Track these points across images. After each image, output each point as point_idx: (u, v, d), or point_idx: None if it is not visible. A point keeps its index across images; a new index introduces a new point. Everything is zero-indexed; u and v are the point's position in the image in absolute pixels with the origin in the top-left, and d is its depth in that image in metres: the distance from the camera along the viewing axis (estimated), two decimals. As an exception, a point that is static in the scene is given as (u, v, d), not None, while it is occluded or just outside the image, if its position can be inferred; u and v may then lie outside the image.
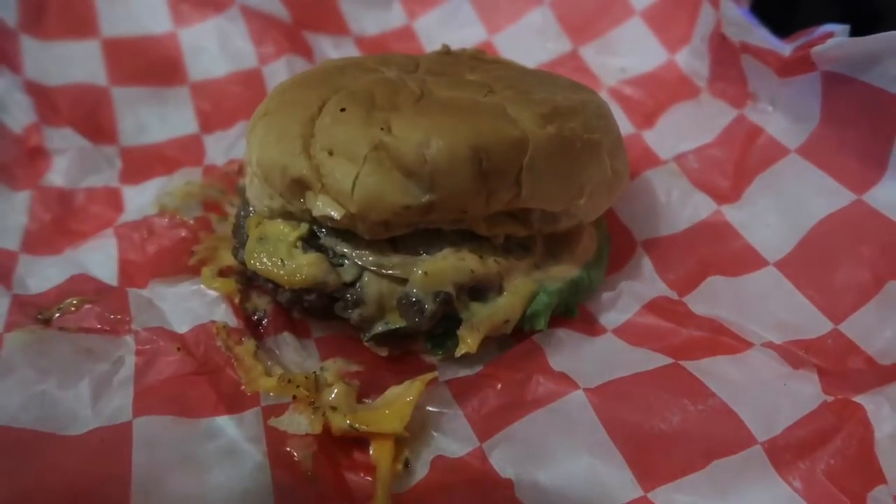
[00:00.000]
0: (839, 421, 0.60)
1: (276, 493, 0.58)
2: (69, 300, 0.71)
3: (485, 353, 0.68)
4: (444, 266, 0.66)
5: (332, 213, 0.63)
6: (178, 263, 0.78)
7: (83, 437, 0.60)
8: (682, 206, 0.83)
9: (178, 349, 0.67)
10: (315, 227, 0.69)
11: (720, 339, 0.69)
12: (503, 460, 0.61)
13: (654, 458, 0.59)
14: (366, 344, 0.70)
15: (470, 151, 0.61)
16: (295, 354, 0.71)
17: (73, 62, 1.01)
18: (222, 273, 0.76)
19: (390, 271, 0.67)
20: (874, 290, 0.66)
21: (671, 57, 0.99)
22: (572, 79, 0.80)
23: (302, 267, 0.67)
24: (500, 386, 0.66)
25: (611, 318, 0.74)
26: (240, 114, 0.98)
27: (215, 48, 1.05)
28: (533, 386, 0.65)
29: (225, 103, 1.01)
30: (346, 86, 0.68)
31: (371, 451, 0.62)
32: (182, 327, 0.70)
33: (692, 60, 0.97)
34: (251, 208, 0.74)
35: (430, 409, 0.66)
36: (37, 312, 0.70)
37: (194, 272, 0.76)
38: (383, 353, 0.70)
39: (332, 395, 0.65)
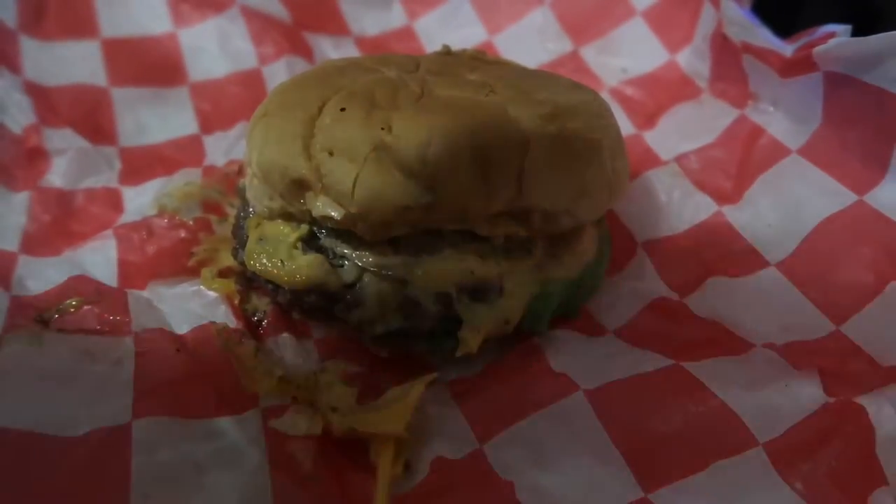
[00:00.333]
0: (841, 422, 0.59)
1: (275, 494, 0.58)
2: (68, 301, 0.71)
3: (485, 354, 0.68)
4: (445, 267, 0.66)
5: (333, 214, 0.63)
6: (178, 264, 0.77)
7: (82, 439, 0.59)
8: (683, 206, 0.82)
9: (178, 350, 0.67)
10: (315, 228, 0.69)
11: (721, 340, 0.69)
12: (504, 462, 0.61)
13: (654, 459, 0.59)
14: (366, 345, 0.70)
15: (471, 151, 0.61)
16: (295, 355, 0.70)
17: (72, 63, 1.01)
18: (222, 274, 0.76)
19: (391, 272, 0.66)
20: (876, 291, 0.66)
21: (672, 57, 0.99)
22: (573, 79, 0.80)
23: (302, 268, 0.67)
24: (500, 387, 0.66)
25: (612, 319, 0.73)
26: (240, 114, 0.98)
27: (215, 48, 1.05)
28: (533, 387, 0.65)
29: (225, 104, 1.01)
30: (346, 86, 0.68)
31: (371, 453, 0.62)
32: (182, 328, 0.70)
33: (693, 61, 0.97)
34: (251, 209, 0.74)
35: (431, 410, 0.65)
36: (36, 314, 0.69)
37: (194, 273, 0.76)
38: (383, 354, 0.70)
39: (333, 397, 0.65)
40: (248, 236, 0.71)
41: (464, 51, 0.84)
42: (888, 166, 0.70)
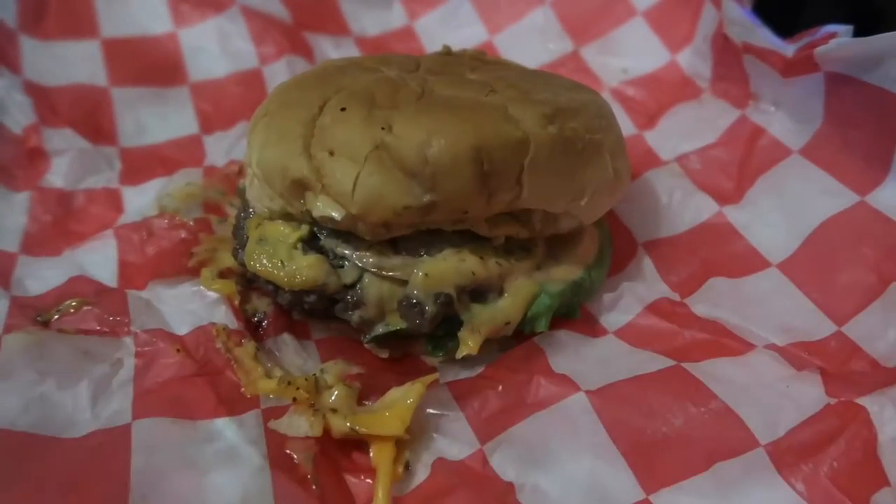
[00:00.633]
0: (842, 423, 0.59)
1: (276, 495, 0.58)
2: (68, 302, 0.71)
3: (486, 355, 0.68)
4: (445, 267, 0.66)
5: (333, 214, 0.63)
6: (178, 265, 0.77)
7: (82, 440, 0.59)
8: (683, 207, 0.82)
9: (178, 351, 0.67)
10: (315, 229, 0.69)
11: (722, 340, 0.68)
12: (504, 463, 0.61)
13: (656, 460, 0.59)
14: (366, 346, 0.70)
15: (471, 151, 0.61)
16: (295, 356, 0.70)
17: (72, 63, 1.01)
18: (222, 274, 0.76)
19: (391, 273, 0.67)
20: (877, 291, 0.66)
21: (673, 57, 0.99)
22: (574, 79, 0.80)
23: (302, 268, 0.67)
24: (501, 388, 0.66)
25: (612, 319, 0.73)
26: (240, 114, 0.98)
27: (215, 48, 1.05)
28: (534, 388, 0.65)
29: (225, 104, 1.01)
30: (347, 86, 0.68)
31: (371, 454, 0.62)
32: (182, 329, 0.70)
33: (694, 61, 0.97)
34: (251, 209, 0.74)
35: (431, 411, 0.65)
36: (36, 314, 0.70)
37: (194, 274, 0.76)
38: (384, 354, 0.70)
39: (333, 398, 0.65)
40: (248, 237, 0.71)
41: (464, 51, 0.84)
42: (890, 167, 0.70)
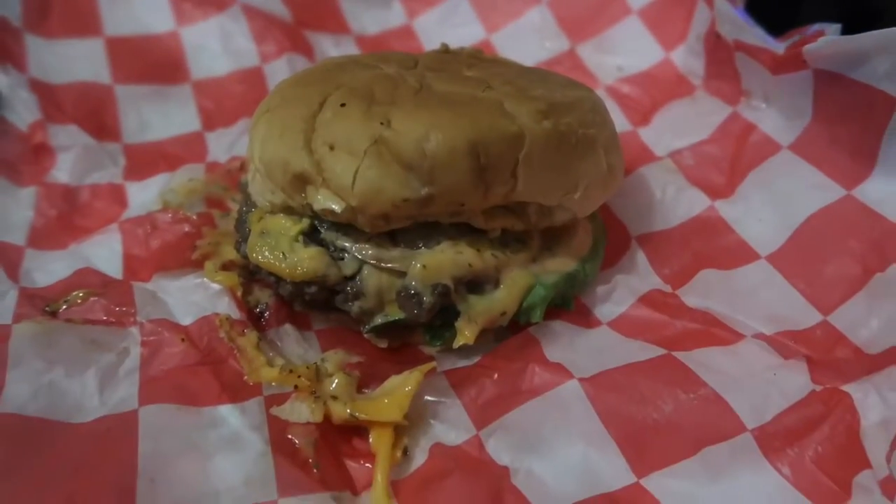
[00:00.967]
0: (827, 409, 0.61)
1: (278, 478, 0.59)
2: (75, 293, 0.72)
3: (482, 345, 0.70)
4: (443, 259, 0.67)
5: (333, 207, 0.65)
6: (182, 258, 0.79)
7: (90, 426, 0.61)
8: (676, 201, 0.84)
9: (182, 340, 0.68)
10: (316, 222, 0.70)
11: (712, 330, 0.70)
12: (499, 448, 0.62)
13: (646, 445, 0.61)
14: (366, 336, 0.71)
15: (468, 145, 0.63)
16: (296, 346, 0.72)
17: (76, 60, 1.03)
18: (225, 267, 0.77)
19: (389, 265, 0.68)
20: (862, 282, 0.68)
21: (667, 55, 1.01)
22: (570, 77, 0.82)
23: (303, 260, 0.68)
24: (496, 376, 0.67)
25: (606, 310, 0.75)
26: (241, 111, 0.99)
27: (217, 47, 1.07)
28: (529, 376, 0.66)
29: (227, 101, 1.02)
30: (347, 82, 0.69)
31: (371, 439, 0.64)
32: (186, 319, 0.71)
33: (688, 59, 0.98)
34: (253, 204, 0.75)
35: (429, 398, 0.67)
36: (44, 305, 0.71)
37: (197, 266, 0.78)
38: (383, 344, 0.72)
39: (333, 385, 0.66)
40: (250, 230, 0.73)
41: (462, 49, 0.86)
42: (876, 161, 0.72)
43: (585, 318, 0.74)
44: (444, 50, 0.85)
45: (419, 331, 0.72)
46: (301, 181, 0.67)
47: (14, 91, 0.95)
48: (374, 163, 0.63)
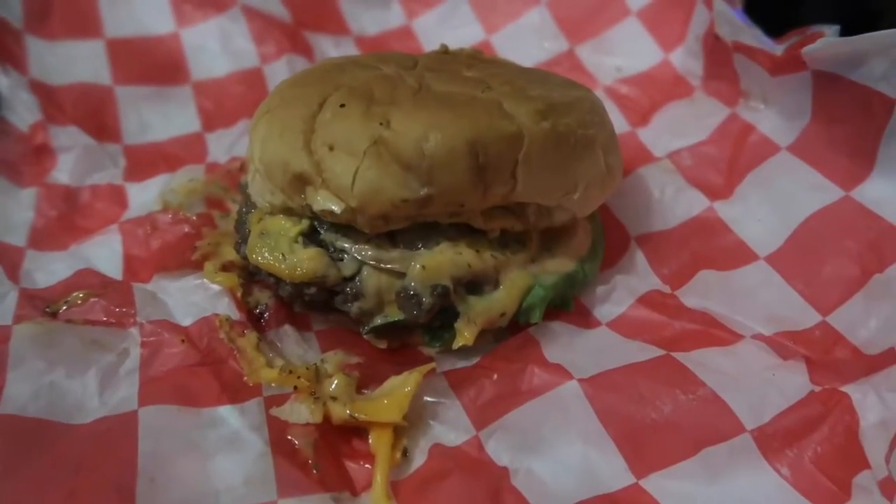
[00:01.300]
0: (826, 410, 0.61)
1: (277, 479, 0.59)
2: (76, 294, 0.72)
3: (481, 345, 0.70)
4: (442, 260, 0.68)
5: (333, 208, 0.65)
6: (182, 258, 0.79)
7: (90, 426, 0.61)
8: (675, 202, 0.84)
9: (182, 341, 0.68)
10: (316, 223, 0.70)
11: (711, 331, 0.70)
12: (499, 449, 0.62)
13: (645, 446, 0.61)
14: (365, 336, 0.72)
15: (467, 146, 0.63)
16: (296, 346, 0.72)
17: (77, 62, 1.03)
18: (225, 268, 0.77)
19: (389, 265, 0.68)
20: (860, 282, 0.68)
21: (666, 56, 1.01)
22: (569, 77, 0.82)
23: (303, 261, 0.68)
24: (496, 377, 0.68)
25: (605, 311, 0.75)
26: (241, 112, 1.00)
27: (217, 48, 1.07)
28: (528, 376, 0.66)
29: (227, 102, 1.03)
30: (346, 83, 0.70)
31: (370, 440, 0.64)
32: (186, 320, 0.71)
33: (687, 60, 0.98)
34: (253, 204, 0.75)
35: (428, 399, 0.67)
36: (44, 305, 0.71)
37: (197, 267, 0.78)
38: (382, 345, 0.72)
39: (333, 386, 0.66)
40: (250, 231, 0.73)
41: (461, 49, 0.86)
42: (874, 162, 0.72)
43: (585, 319, 0.74)
44: (444, 51, 0.85)
45: (418, 331, 0.72)
46: (301, 182, 0.67)
47: (15, 92, 0.95)
48: (374, 163, 0.63)
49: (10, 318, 0.69)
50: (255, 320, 0.74)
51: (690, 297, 0.75)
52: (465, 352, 0.70)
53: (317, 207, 0.67)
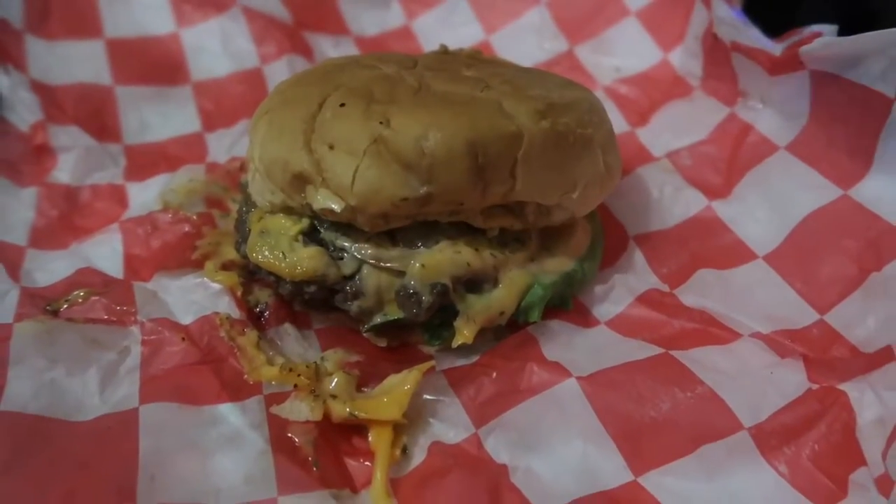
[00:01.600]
0: (823, 407, 0.62)
1: (278, 477, 0.60)
2: (76, 292, 0.73)
3: (480, 344, 0.70)
4: (441, 259, 0.68)
5: (333, 207, 0.65)
6: (182, 258, 0.79)
7: (91, 424, 0.61)
8: (674, 201, 0.84)
9: (183, 339, 0.69)
10: (316, 222, 0.71)
11: (710, 329, 0.71)
12: (498, 446, 0.63)
13: (644, 443, 0.61)
14: (365, 335, 0.72)
15: (467, 145, 0.63)
16: (296, 345, 0.72)
17: (77, 62, 1.03)
18: (225, 267, 0.78)
19: (389, 264, 0.68)
20: (858, 281, 0.68)
21: (665, 56, 1.01)
22: (568, 77, 0.82)
23: (303, 260, 0.69)
24: (495, 375, 0.68)
25: (604, 310, 0.75)
26: (241, 112, 1.00)
27: (217, 48, 1.07)
28: (527, 375, 0.67)
29: (227, 102, 1.03)
30: (346, 82, 0.70)
31: (370, 438, 0.64)
32: (186, 318, 0.72)
33: (686, 59, 0.99)
34: (253, 204, 0.75)
35: (428, 397, 0.67)
36: (45, 304, 0.71)
37: (198, 266, 0.78)
38: (382, 343, 0.72)
39: (333, 384, 0.67)
40: (250, 230, 0.73)
41: (460, 49, 0.86)
42: (872, 161, 0.72)
43: (583, 318, 0.75)
44: (443, 51, 0.85)
45: (418, 330, 0.72)
46: (301, 181, 0.67)
47: (15, 92, 0.96)
48: (374, 162, 0.63)
49: (12, 317, 0.69)
50: (255, 319, 0.74)
51: (689, 295, 0.75)
52: (464, 350, 0.70)
53: (317, 206, 0.67)
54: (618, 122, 0.93)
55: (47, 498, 0.56)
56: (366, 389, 0.68)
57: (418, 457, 0.63)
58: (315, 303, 0.71)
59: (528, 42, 1.09)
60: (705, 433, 0.61)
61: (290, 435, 0.63)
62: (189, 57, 1.07)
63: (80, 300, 0.72)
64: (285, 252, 0.69)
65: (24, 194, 0.87)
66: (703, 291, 0.75)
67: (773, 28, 0.85)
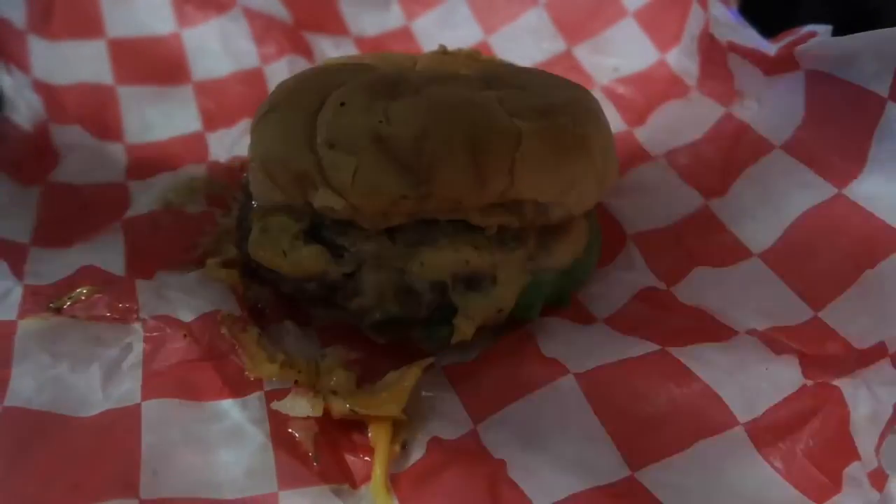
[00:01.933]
0: (817, 403, 0.62)
1: (278, 471, 0.60)
2: (79, 290, 0.73)
3: (479, 341, 0.71)
4: (441, 257, 0.68)
5: (333, 205, 0.66)
6: (184, 256, 0.80)
7: (95, 418, 0.62)
8: (671, 200, 0.85)
9: (185, 336, 0.69)
10: (316, 220, 0.71)
11: (706, 326, 0.71)
12: (496, 442, 0.63)
13: (640, 438, 0.62)
14: (365, 332, 0.72)
15: (465, 143, 0.64)
16: (297, 342, 0.73)
17: (79, 62, 1.04)
18: (226, 264, 0.78)
19: (388, 262, 0.69)
20: (852, 278, 0.69)
21: (662, 56, 1.02)
22: (566, 77, 0.83)
23: (303, 258, 0.69)
24: (493, 371, 0.68)
25: (601, 307, 0.76)
26: (242, 112, 1.01)
27: (218, 48, 1.08)
28: (525, 371, 0.67)
29: (227, 102, 1.04)
30: (346, 82, 0.70)
31: (370, 433, 0.65)
32: (188, 316, 0.71)
33: (682, 60, 0.99)
34: (254, 202, 0.76)
35: (426, 393, 0.68)
36: (49, 301, 0.72)
37: (199, 264, 0.79)
38: (382, 340, 0.73)
39: (333, 381, 0.67)
40: (251, 228, 0.74)
41: (459, 50, 0.87)
42: (866, 160, 0.72)
43: (581, 315, 0.75)
44: (443, 51, 0.86)
45: (417, 327, 0.73)
46: (301, 179, 0.68)
47: (18, 92, 0.96)
48: (374, 161, 0.64)
49: (15, 314, 0.70)
50: (256, 316, 0.74)
51: (686, 293, 0.75)
52: (463, 347, 0.71)
53: (317, 205, 0.67)
54: (615, 122, 0.93)
55: (52, 491, 0.56)
56: (365, 386, 0.69)
57: (417, 452, 0.64)
58: (315, 300, 0.72)
59: (526, 43, 1.09)
60: (701, 428, 0.61)
61: (290, 430, 0.64)
62: (190, 57, 1.07)
63: (83, 298, 0.72)
64: (286, 250, 0.70)
65: (27, 193, 0.88)
66: (699, 289, 0.75)
67: (773, 28, 0.86)
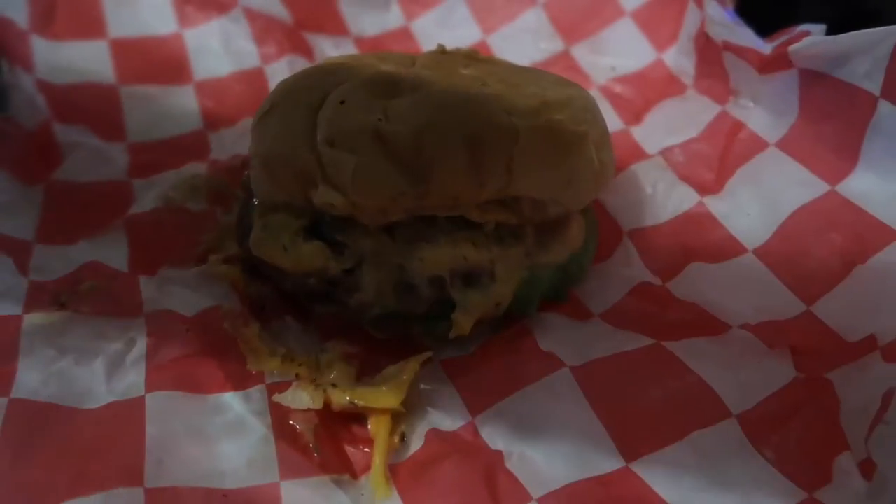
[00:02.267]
0: (809, 395, 0.63)
1: (279, 462, 0.61)
2: (84, 285, 0.74)
3: (477, 335, 0.72)
4: (439, 253, 0.69)
5: (333, 202, 0.67)
6: (186, 252, 0.81)
7: (99, 411, 0.63)
8: (667, 197, 0.86)
9: (187, 331, 0.70)
10: (316, 217, 0.72)
11: (700, 321, 0.72)
12: (493, 433, 0.64)
13: (635, 431, 0.63)
14: (364, 327, 0.73)
15: (463, 140, 0.65)
16: (297, 337, 0.74)
17: (82, 62, 1.05)
18: (228, 261, 0.79)
19: (388, 258, 0.70)
20: (843, 273, 0.70)
21: (659, 56, 1.02)
22: (564, 77, 0.84)
23: (304, 254, 0.70)
24: (491, 365, 0.69)
25: (598, 303, 0.77)
26: (243, 111, 1.01)
27: (219, 48, 1.09)
28: (522, 365, 0.68)
29: (228, 101, 1.04)
30: (346, 80, 0.71)
31: (369, 425, 0.66)
32: (190, 311, 0.73)
33: (679, 59, 1.00)
34: (255, 200, 0.77)
35: (425, 386, 0.69)
36: (53, 297, 0.73)
37: (201, 260, 0.80)
38: (381, 335, 0.73)
39: (333, 374, 0.68)
40: (252, 225, 0.74)
41: (458, 50, 0.88)
42: (858, 158, 0.73)
43: (578, 310, 0.76)
44: (441, 50, 0.86)
45: (416, 322, 0.73)
46: (301, 177, 0.69)
47: (22, 92, 0.97)
48: (373, 158, 0.65)
49: (21, 309, 0.71)
50: (257, 311, 0.75)
51: (681, 288, 0.76)
52: (461, 341, 0.72)
53: (317, 202, 0.68)
54: (612, 121, 0.94)
55: (57, 481, 0.57)
56: (365, 379, 0.70)
57: (416, 444, 0.65)
58: (316, 296, 0.73)
59: (524, 42, 1.10)
60: (695, 421, 0.62)
61: (291, 422, 0.65)
62: (191, 57, 1.08)
63: (87, 293, 0.74)
64: (287, 247, 0.71)
65: (31, 192, 0.88)
66: (694, 284, 0.76)
67: (771, 28, 0.86)
